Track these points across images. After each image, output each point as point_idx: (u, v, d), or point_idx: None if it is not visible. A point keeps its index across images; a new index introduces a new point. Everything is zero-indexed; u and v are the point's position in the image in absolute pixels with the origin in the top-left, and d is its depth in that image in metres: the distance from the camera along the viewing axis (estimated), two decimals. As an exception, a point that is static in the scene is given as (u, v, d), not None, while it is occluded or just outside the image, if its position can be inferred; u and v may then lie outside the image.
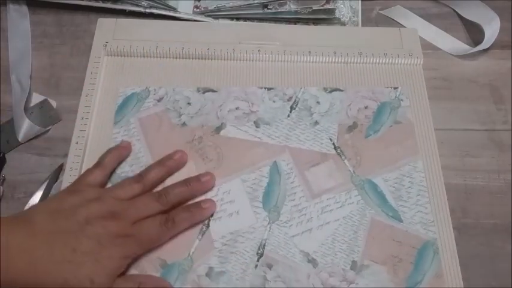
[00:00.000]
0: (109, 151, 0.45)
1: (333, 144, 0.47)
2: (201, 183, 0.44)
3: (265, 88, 0.50)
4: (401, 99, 0.50)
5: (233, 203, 0.44)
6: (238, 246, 0.42)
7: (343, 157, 0.47)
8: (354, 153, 0.47)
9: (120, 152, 0.45)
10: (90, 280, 0.36)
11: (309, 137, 0.48)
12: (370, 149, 0.47)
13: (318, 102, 0.49)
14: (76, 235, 0.37)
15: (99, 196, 0.40)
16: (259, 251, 0.42)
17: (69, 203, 0.39)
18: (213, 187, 0.45)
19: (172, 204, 0.42)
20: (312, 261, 0.42)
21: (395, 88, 0.50)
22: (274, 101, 0.49)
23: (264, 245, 0.42)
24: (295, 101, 0.50)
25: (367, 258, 0.42)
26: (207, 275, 0.41)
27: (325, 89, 0.50)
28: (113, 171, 0.45)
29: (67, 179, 0.45)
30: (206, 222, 0.43)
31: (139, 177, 0.43)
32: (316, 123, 0.48)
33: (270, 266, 0.41)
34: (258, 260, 0.42)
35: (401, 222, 0.43)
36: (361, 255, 0.42)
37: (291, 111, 0.49)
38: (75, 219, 0.38)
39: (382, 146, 0.47)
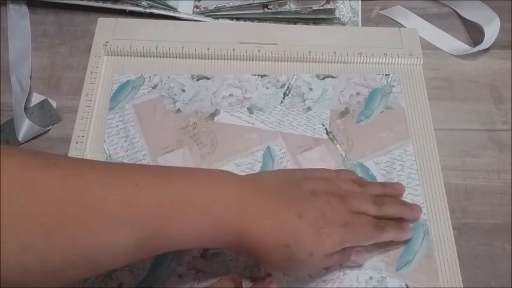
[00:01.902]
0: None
1: (325, 129, 0.48)
2: (414, 212, 0.43)
3: (258, 75, 0.51)
4: (393, 86, 0.51)
5: None
6: None
7: (335, 142, 0.47)
8: (345, 138, 0.48)
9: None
10: (310, 252, 0.35)
11: (301, 122, 0.48)
12: (361, 134, 0.48)
13: (311, 89, 0.50)
14: (302, 202, 0.36)
15: (326, 177, 0.39)
16: None
17: (297, 175, 0.39)
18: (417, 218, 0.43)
19: (384, 215, 0.40)
20: None
21: (386, 75, 0.51)
22: (267, 88, 0.50)
23: None
24: (288, 87, 0.50)
25: None
26: (202, 256, 0.42)
27: (317, 76, 0.51)
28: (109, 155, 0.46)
29: (67, 179, 0.45)
30: None
31: (362, 183, 0.42)
32: (309, 109, 0.49)
33: None
34: None
35: None
36: None
37: (284, 98, 0.50)
38: (302, 188, 0.37)
39: (373, 131, 0.48)
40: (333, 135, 0.48)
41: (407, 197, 0.44)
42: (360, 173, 0.46)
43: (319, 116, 0.49)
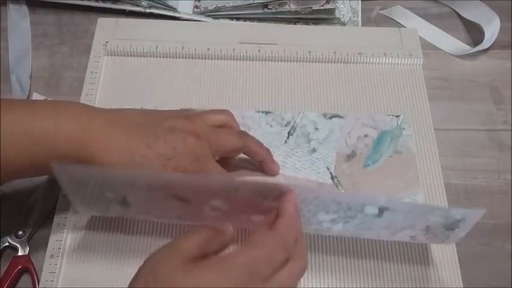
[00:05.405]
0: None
1: (330, 173, 0.46)
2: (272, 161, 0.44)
3: (262, 112, 0.49)
4: (403, 128, 0.48)
5: None
6: None
7: (339, 187, 0.45)
8: (351, 184, 0.45)
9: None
10: None
11: (305, 165, 0.46)
12: (368, 180, 0.45)
13: (317, 129, 0.48)
14: (156, 136, 0.37)
15: (188, 116, 0.40)
16: None
17: (159, 113, 0.40)
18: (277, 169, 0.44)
19: (248, 150, 0.42)
20: None
21: (397, 116, 0.49)
22: (271, 126, 0.48)
23: None
24: (293, 126, 0.48)
25: None
26: None
27: (324, 115, 0.49)
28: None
29: (67, 179, 0.45)
30: None
31: (227, 112, 0.43)
32: (314, 150, 0.47)
33: None
34: None
35: None
36: None
37: (288, 137, 0.47)
38: (161, 125, 0.38)
39: (381, 177, 0.45)
40: (337, 180, 0.45)
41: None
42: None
43: (325, 158, 0.46)
